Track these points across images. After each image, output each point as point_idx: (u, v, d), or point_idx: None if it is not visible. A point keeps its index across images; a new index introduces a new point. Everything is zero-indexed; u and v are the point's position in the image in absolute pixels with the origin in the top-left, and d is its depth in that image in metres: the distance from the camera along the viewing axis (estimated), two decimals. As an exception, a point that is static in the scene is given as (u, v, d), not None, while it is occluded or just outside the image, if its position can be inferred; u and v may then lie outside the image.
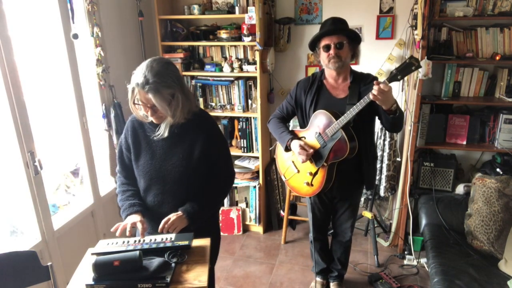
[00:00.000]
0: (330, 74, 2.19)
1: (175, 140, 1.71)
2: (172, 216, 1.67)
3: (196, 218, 1.71)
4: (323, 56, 2.11)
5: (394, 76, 1.84)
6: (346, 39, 2.08)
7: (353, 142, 2.05)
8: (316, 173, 2.21)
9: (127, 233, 1.63)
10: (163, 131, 1.67)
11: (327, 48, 2.08)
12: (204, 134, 1.73)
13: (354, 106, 1.96)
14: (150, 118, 1.67)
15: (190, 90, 1.74)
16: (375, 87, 1.82)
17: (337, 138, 2.06)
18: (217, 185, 1.81)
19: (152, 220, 1.76)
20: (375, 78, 2.17)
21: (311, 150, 2.12)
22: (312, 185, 2.25)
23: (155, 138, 1.70)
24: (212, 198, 1.80)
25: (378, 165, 3.15)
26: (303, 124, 2.29)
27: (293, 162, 2.32)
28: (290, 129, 2.36)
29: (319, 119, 2.13)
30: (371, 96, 1.86)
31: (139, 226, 1.64)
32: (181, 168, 1.70)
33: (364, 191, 3.34)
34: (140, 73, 1.56)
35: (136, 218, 1.68)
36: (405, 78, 3.12)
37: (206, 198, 1.77)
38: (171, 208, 1.72)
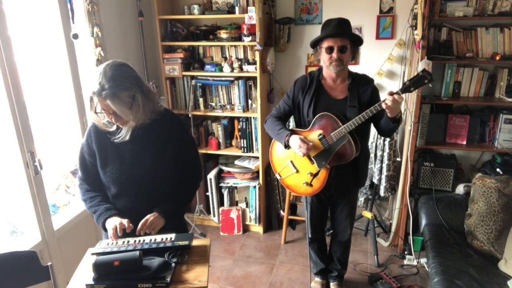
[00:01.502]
0: (329, 74, 2.19)
1: (144, 142, 1.68)
2: (150, 217, 1.67)
3: (172, 216, 1.72)
4: (325, 57, 2.10)
5: (407, 87, 1.86)
6: (349, 42, 2.07)
7: (357, 146, 2.07)
8: (316, 174, 2.21)
9: (119, 233, 1.62)
10: (124, 134, 1.64)
11: (330, 50, 2.06)
12: (173, 134, 1.73)
13: (364, 113, 1.97)
14: (114, 126, 1.65)
15: (150, 89, 1.67)
16: (390, 97, 1.86)
17: (343, 142, 2.07)
18: (188, 181, 1.82)
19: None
20: (372, 80, 2.20)
21: (311, 143, 2.11)
22: (311, 185, 2.25)
23: (115, 141, 1.66)
24: (184, 194, 1.81)
25: (378, 165, 3.15)
26: (300, 123, 2.29)
27: (292, 162, 2.31)
28: (292, 129, 2.36)
29: (324, 122, 2.12)
30: (383, 105, 1.89)
31: (125, 222, 1.63)
32: (153, 170, 1.69)
33: (365, 191, 3.35)
34: (95, 81, 1.52)
35: (118, 219, 1.65)
36: (405, 78, 3.13)
37: (179, 196, 1.78)
38: (145, 211, 1.70)
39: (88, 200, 1.75)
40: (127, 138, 1.64)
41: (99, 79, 1.51)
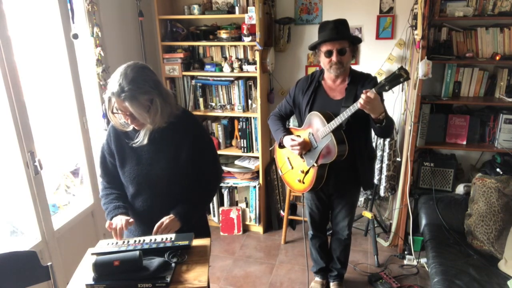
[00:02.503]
0: (329, 76, 2.19)
1: (160, 144, 1.69)
2: (165, 220, 1.67)
3: (188, 218, 1.71)
4: (324, 61, 2.09)
5: (382, 86, 1.82)
6: (347, 43, 2.06)
7: (342, 146, 2.04)
8: (307, 172, 2.23)
9: (117, 232, 1.62)
10: (142, 138, 1.64)
11: (328, 53, 2.06)
12: (189, 136, 1.71)
13: (344, 112, 1.96)
14: (131, 126, 1.64)
15: (169, 93, 1.67)
16: (363, 96, 1.83)
17: (327, 141, 2.07)
18: (205, 184, 1.80)
19: (143, 224, 1.75)
20: (374, 79, 2.16)
21: (301, 139, 2.15)
22: (303, 182, 2.27)
23: (134, 145, 1.66)
24: (201, 197, 1.80)
25: (378, 165, 3.15)
26: (301, 123, 2.30)
27: (288, 158, 2.36)
28: (288, 127, 2.38)
29: (313, 120, 2.14)
30: (358, 105, 1.86)
31: (124, 220, 1.63)
32: (169, 171, 1.69)
33: (364, 191, 3.35)
34: (115, 82, 1.52)
35: (121, 218, 1.66)
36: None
37: (196, 198, 1.76)
38: (162, 212, 1.70)
39: (103, 197, 1.78)
40: (145, 142, 1.64)
41: (119, 80, 1.51)
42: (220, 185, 3.46)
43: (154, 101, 1.56)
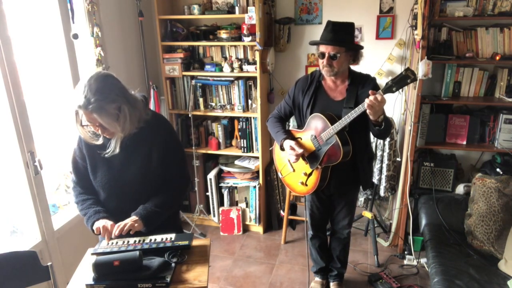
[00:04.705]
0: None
1: (131, 149, 1.68)
2: (128, 221, 1.64)
3: (150, 219, 1.68)
4: (319, 61, 2.10)
5: (389, 87, 1.81)
6: (343, 49, 2.03)
7: (346, 147, 2.04)
8: (310, 174, 2.22)
9: (103, 235, 1.61)
10: (113, 147, 1.63)
11: (322, 55, 2.06)
12: (161, 141, 1.71)
13: (349, 114, 1.95)
14: (101, 139, 1.64)
15: (137, 98, 1.67)
16: (371, 97, 1.81)
17: (331, 143, 2.06)
18: (172, 188, 1.78)
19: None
20: (374, 80, 2.16)
21: (301, 150, 2.13)
22: (306, 185, 2.27)
23: (106, 156, 1.65)
24: (166, 200, 1.76)
25: (378, 165, 3.15)
26: (301, 124, 2.30)
27: (289, 161, 2.34)
28: (290, 128, 2.37)
29: (315, 122, 2.13)
30: (365, 105, 1.85)
31: (109, 224, 1.62)
32: (140, 176, 1.69)
33: (364, 190, 3.35)
34: (80, 94, 1.50)
35: (105, 222, 1.65)
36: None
37: (160, 200, 1.73)
38: None
39: (80, 203, 1.76)
40: (117, 150, 1.63)
41: (84, 92, 1.49)
42: (221, 185, 3.47)
43: (122, 109, 1.56)
